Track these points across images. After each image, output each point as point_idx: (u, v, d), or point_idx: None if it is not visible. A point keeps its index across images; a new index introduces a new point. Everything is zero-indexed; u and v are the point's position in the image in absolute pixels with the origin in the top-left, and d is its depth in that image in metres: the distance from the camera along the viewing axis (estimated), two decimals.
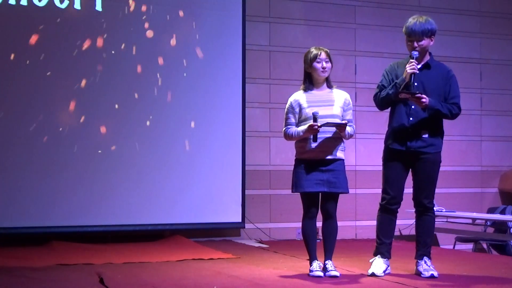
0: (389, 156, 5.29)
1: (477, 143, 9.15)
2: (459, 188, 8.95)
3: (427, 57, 5.27)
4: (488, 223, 8.14)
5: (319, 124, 5.00)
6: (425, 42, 5.18)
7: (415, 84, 5.12)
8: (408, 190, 5.28)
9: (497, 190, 9.18)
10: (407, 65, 5.09)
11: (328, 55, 5.17)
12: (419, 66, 5.13)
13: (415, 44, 5.16)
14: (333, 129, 5.12)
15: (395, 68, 5.31)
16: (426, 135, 5.17)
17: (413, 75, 5.07)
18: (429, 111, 5.13)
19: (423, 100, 5.03)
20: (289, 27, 8.42)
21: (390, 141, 5.27)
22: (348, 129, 5.13)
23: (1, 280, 4.97)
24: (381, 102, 5.27)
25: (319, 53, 5.15)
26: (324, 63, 5.15)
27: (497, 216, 7.97)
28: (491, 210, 8.59)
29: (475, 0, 9.23)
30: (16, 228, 7.10)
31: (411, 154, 5.19)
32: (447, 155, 8.76)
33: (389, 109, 5.34)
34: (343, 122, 5.10)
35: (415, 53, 5.14)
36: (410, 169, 5.26)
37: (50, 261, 5.91)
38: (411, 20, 5.20)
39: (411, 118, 5.19)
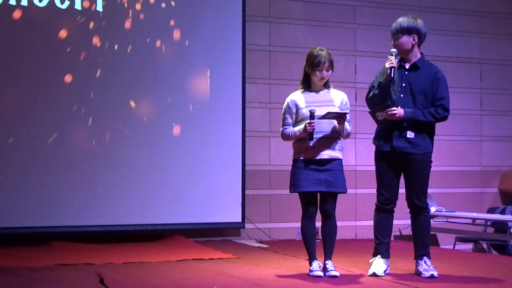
0: (378, 157, 5.32)
1: (477, 143, 9.14)
2: (459, 188, 8.95)
3: (416, 57, 5.29)
4: (488, 223, 8.14)
5: (315, 121, 5.01)
6: (402, 39, 5.22)
7: (403, 85, 5.19)
8: (403, 190, 5.29)
9: (497, 190, 9.17)
10: (386, 62, 5.15)
11: (331, 63, 5.16)
12: (407, 67, 5.21)
13: (394, 42, 5.24)
14: (330, 128, 5.12)
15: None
16: (412, 136, 5.17)
17: (392, 68, 5.12)
18: (407, 122, 5.14)
19: (395, 112, 5.07)
20: (289, 27, 8.42)
21: (377, 142, 5.31)
22: (346, 124, 5.15)
23: (1, 280, 4.97)
24: (370, 102, 5.31)
25: (323, 62, 5.12)
26: (325, 72, 5.15)
27: (497, 216, 7.97)
28: (491, 210, 8.58)
29: (475, 0, 9.22)
30: (16, 228, 7.10)
31: (398, 155, 5.20)
32: (447, 155, 8.84)
33: None
34: (344, 112, 5.11)
35: (394, 50, 5.19)
36: (402, 170, 5.27)
37: (50, 261, 5.91)
38: (395, 21, 5.28)
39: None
